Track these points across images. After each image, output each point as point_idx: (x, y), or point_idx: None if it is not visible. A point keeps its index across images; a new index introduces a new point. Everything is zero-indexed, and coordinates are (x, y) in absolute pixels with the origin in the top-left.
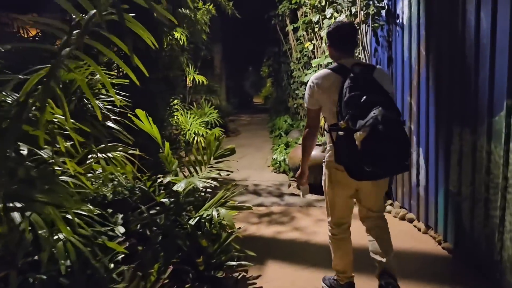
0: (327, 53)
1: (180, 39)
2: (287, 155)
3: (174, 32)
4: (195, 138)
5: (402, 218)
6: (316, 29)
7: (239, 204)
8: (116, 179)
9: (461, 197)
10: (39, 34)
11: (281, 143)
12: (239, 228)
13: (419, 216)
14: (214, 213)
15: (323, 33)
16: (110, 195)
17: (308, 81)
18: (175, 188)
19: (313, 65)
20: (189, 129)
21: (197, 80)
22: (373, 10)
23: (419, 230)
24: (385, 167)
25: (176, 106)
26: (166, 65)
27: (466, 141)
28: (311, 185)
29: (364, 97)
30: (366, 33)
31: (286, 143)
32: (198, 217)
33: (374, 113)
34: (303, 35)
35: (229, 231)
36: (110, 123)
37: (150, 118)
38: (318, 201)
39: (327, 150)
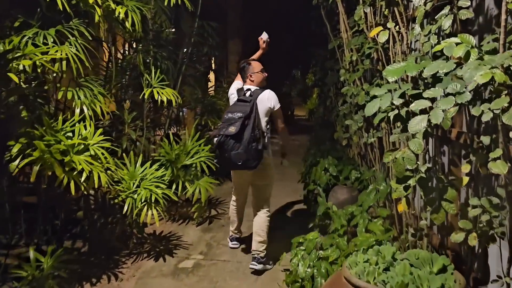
0: (426, 49)
1: (124, 19)
2: (321, 265)
3: (114, 7)
4: (146, 210)
5: None
6: None
7: None
8: None
9: None
10: None
11: (314, 221)
12: None
13: None
14: None
15: (419, 2)
16: None
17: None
18: None
19: (389, 79)
20: (135, 191)
21: (160, 98)
22: None
23: None
24: (227, 164)
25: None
26: None
27: None
28: None
29: (230, 114)
30: None
31: (323, 214)
32: None
33: (225, 128)
34: (365, 15)
35: None
36: None
37: None
38: None
39: None
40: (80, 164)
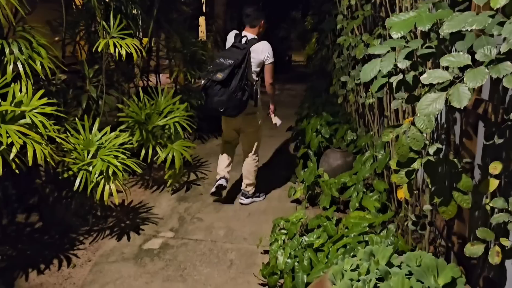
0: None
1: None
2: (303, 255)
3: None
4: (103, 185)
5: None
6: None
7: None
8: None
9: None
10: None
11: (303, 185)
12: None
13: None
14: None
15: None
16: None
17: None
18: None
19: (393, 35)
20: (90, 163)
21: (116, 52)
22: None
23: None
24: (209, 109)
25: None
26: None
27: None
28: None
29: (221, 59)
30: None
31: (312, 183)
32: None
33: (214, 73)
34: None
35: None
36: None
37: None
38: None
39: None
40: (9, 137)
